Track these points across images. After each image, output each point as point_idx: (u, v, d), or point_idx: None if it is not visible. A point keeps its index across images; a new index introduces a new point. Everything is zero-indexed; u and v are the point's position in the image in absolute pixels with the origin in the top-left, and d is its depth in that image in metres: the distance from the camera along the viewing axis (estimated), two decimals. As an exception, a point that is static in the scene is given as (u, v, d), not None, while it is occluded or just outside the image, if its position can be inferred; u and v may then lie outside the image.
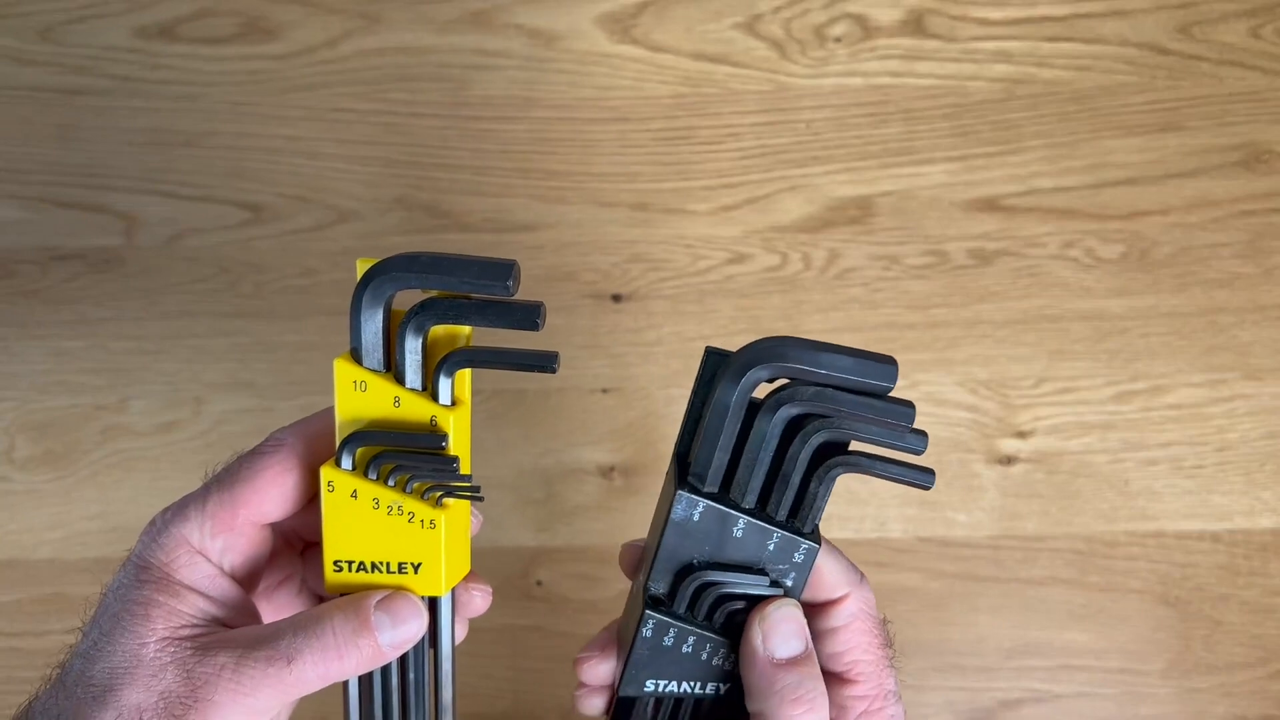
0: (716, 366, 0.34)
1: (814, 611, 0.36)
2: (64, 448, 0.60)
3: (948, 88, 0.62)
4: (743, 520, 0.34)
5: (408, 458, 0.33)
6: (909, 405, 0.32)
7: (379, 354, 0.33)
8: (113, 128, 0.61)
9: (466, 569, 0.37)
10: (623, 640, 0.37)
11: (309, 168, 0.61)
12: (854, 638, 0.35)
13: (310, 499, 0.35)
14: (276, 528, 0.37)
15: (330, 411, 0.34)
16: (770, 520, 0.34)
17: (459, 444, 0.34)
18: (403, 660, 0.36)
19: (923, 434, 0.33)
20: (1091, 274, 0.61)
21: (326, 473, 0.34)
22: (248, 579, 0.36)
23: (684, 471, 0.35)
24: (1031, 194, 0.61)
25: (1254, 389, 0.61)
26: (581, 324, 0.61)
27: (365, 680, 0.36)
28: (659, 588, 0.35)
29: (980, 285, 0.61)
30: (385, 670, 0.36)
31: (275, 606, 0.39)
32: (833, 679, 0.36)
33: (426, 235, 0.61)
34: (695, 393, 0.35)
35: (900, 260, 0.61)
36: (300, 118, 0.61)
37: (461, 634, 0.38)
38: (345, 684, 0.36)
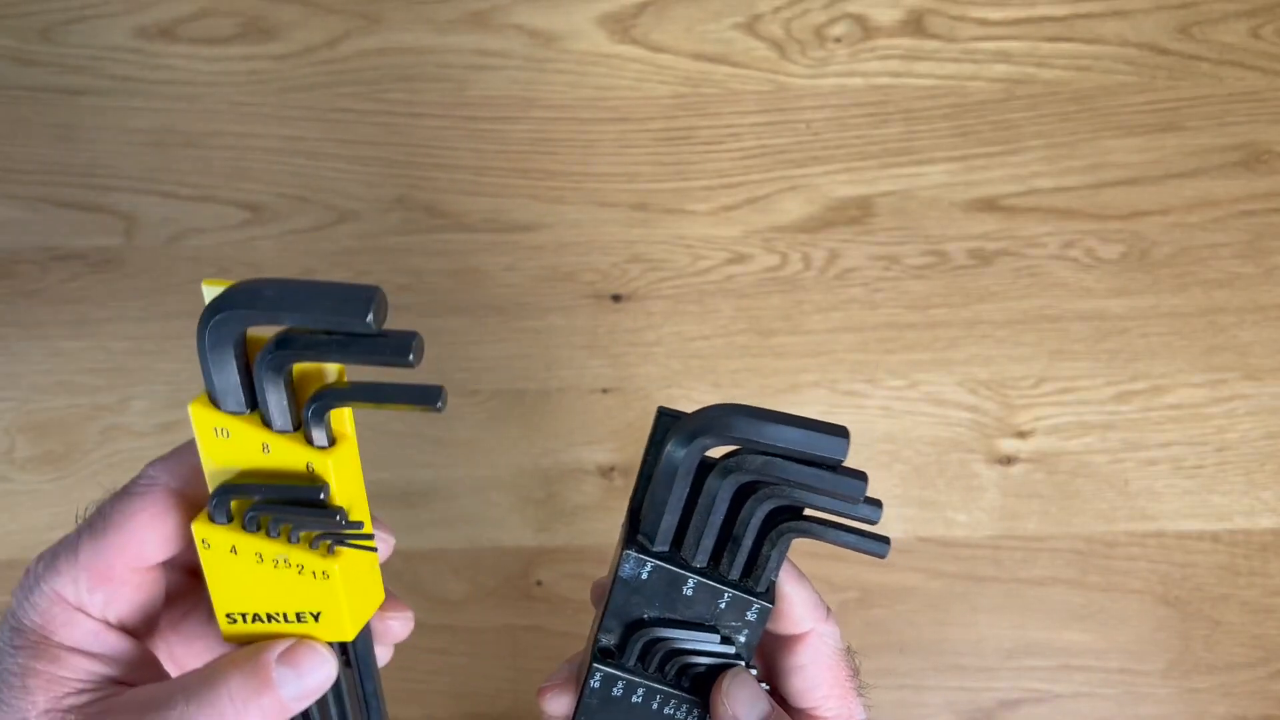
0: (667, 428, 0.34)
1: (779, 645, 0.36)
2: (64, 448, 0.60)
3: (948, 88, 0.62)
4: (693, 579, 0.34)
5: (287, 508, 0.30)
6: (860, 476, 0.32)
7: (239, 395, 0.29)
8: (113, 128, 0.61)
9: (379, 600, 0.34)
10: (579, 678, 0.37)
11: (309, 168, 0.61)
12: (819, 673, 0.35)
13: None
14: (171, 560, 0.33)
15: None
16: (722, 580, 0.34)
17: (344, 488, 0.30)
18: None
19: (877, 504, 0.32)
20: (1091, 274, 0.61)
21: (199, 529, 0.30)
22: (143, 626, 0.32)
23: (634, 529, 0.34)
24: (1031, 194, 0.61)
25: (1254, 389, 0.61)
26: (581, 324, 0.61)
27: None
28: (609, 640, 0.35)
29: (980, 285, 0.61)
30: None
31: (184, 637, 0.35)
32: (800, 715, 0.36)
33: (426, 235, 0.61)
34: (648, 451, 0.35)
35: (900, 260, 0.61)
36: (300, 118, 0.61)
37: (385, 658, 0.35)
38: None
